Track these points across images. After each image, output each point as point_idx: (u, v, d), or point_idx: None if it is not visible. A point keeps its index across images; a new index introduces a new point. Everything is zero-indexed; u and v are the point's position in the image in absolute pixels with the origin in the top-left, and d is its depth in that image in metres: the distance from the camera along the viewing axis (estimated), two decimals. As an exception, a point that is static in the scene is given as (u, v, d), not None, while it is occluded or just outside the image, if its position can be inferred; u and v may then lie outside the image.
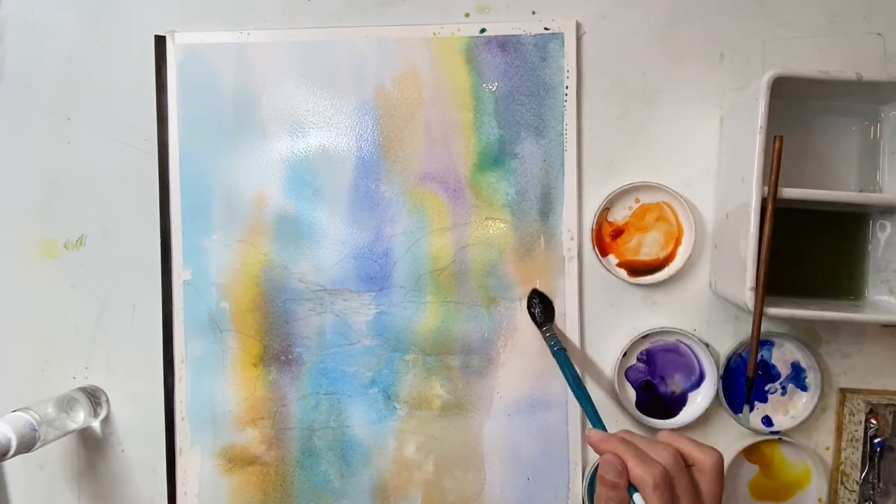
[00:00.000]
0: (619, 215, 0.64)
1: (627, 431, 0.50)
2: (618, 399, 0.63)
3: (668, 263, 0.64)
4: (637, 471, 0.46)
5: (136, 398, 0.67)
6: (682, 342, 0.63)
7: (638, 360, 0.64)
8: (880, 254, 0.60)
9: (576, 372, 0.59)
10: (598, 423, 0.54)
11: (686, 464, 0.47)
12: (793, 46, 0.63)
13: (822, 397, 0.62)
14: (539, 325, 0.63)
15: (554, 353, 0.60)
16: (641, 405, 0.63)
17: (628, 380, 0.64)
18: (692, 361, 0.63)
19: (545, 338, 0.62)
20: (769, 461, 0.63)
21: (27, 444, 0.57)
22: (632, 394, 0.64)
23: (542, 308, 0.63)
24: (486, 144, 0.64)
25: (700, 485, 0.47)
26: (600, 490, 0.47)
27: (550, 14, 0.64)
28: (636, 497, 0.46)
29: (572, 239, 0.64)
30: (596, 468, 0.63)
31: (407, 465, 0.65)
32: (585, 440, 0.50)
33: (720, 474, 0.47)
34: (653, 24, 0.64)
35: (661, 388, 0.64)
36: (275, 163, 0.65)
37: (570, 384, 0.58)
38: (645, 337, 0.63)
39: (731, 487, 0.63)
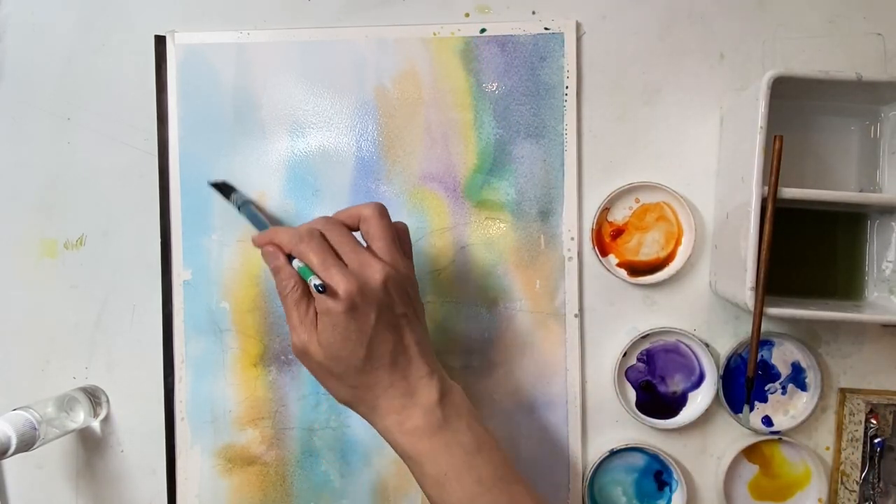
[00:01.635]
0: (619, 215, 0.64)
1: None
2: (618, 399, 0.63)
3: (668, 263, 0.64)
4: (284, 238, 0.50)
5: (136, 398, 0.67)
6: (682, 342, 0.63)
7: (638, 360, 0.64)
8: (880, 253, 0.60)
9: (258, 214, 0.60)
10: (265, 227, 0.56)
11: (354, 226, 0.52)
12: (793, 46, 0.63)
13: (822, 397, 0.62)
14: (226, 195, 0.64)
15: (240, 208, 0.61)
16: (641, 405, 0.63)
17: (628, 380, 0.64)
18: (692, 361, 0.64)
19: (232, 202, 0.63)
20: (769, 461, 0.63)
21: (27, 443, 0.57)
22: (632, 394, 0.64)
23: (221, 187, 0.65)
24: (486, 144, 0.64)
25: (368, 233, 0.51)
26: (277, 285, 0.51)
27: (550, 14, 0.64)
28: (294, 262, 0.50)
29: (572, 239, 0.64)
30: (596, 468, 0.63)
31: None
32: (252, 244, 0.55)
33: (382, 216, 0.52)
34: (653, 24, 0.64)
35: (661, 388, 0.64)
36: (275, 163, 0.65)
37: (256, 224, 0.59)
38: (645, 337, 0.63)
39: (731, 487, 0.63)
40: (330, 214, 0.53)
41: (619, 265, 0.64)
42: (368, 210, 0.52)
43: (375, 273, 0.49)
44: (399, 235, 0.54)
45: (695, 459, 0.64)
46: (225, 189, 0.64)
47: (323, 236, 0.50)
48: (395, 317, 0.50)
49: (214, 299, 0.66)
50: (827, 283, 0.62)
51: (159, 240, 0.66)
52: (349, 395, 0.51)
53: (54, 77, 0.67)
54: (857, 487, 0.61)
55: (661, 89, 0.64)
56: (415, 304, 0.53)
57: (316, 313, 0.49)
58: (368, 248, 0.51)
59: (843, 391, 0.63)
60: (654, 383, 0.64)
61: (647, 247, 0.64)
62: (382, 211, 0.52)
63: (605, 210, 0.64)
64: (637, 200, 0.64)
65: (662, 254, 0.64)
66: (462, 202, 0.65)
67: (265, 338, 0.66)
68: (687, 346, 0.63)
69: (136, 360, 0.67)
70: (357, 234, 0.52)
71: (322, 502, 0.66)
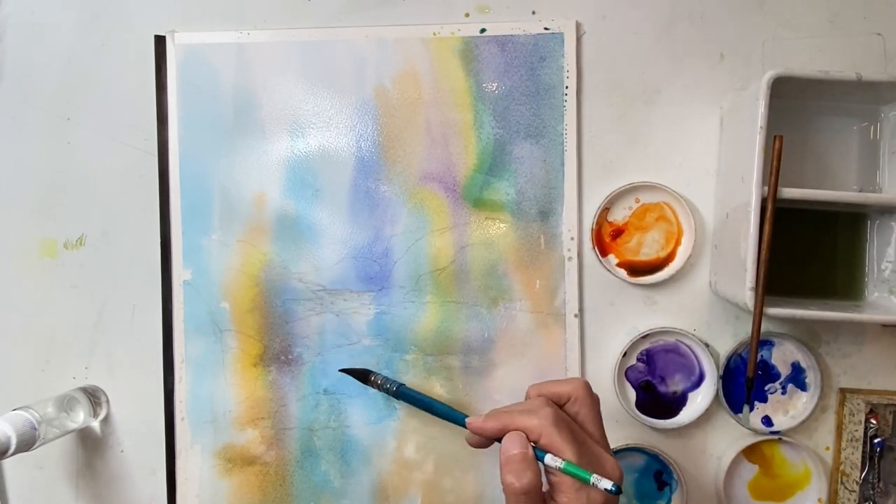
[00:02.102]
0: (619, 215, 0.64)
1: (494, 410, 0.50)
2: (618, 399, 0.63)
3: (668, 263, 0.64)
4: (533, 422, 0.46)
5: (136, 398, 0.67)
6: (682, 342, 0.63)
7: (638, 360, 0.64)
8: (880, 253, 0.60)
9: (424, 395, 0.60)
10: (463, 418, 0.53)
11: (560, 404, 0.49)
12: (793, 46, 0.63)
13: (822, 397, 0.62)
14: (365, 381, 0.63)
15: (398, 392, 0.61)
16: (641, 405, 0.63)
17: (628, 380, 0.64)
18: (692, 361, 0.63)
19: (377, 386, 0.62)
20: (769, 461, 0.63)
21: (27, 443, 0.57)
22: (632, 394, 0.64)
23: (354, 374, 0.64)
24: (486, 144, 0.64)
25: (578, 415, 0.49)
26: (507, 472, 0.45)
27: (550, 14, 0.64)
28: (547, 458, 0.45)
29: (572, 239, 0.64)
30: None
31: (407, 465, 0.65)
32: (467, 439, 0.51)
33: (590, 395, 0.50)
34: (653, 24, 0.64)
35: (661, 388, 0.64)
36: (275, 163, 0.65)
37: (427, 409, 0.59)
38: (645, 337, 0.63)
39: (731, 487, 0.63)
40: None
41: (619, 265, 0.64)
42: (577, 389, 0.49)
43: (614, 471, 0.46)
44: None
45: (695, 459, 0.64)
46: (360, 374, 0.64)
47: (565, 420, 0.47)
48: None
49: (214, 299, 0.66)
50: (827, 283, 0.62)
51: (159, 240, 0.66)
52: None
53: (54, 77, 0.67)
54: (856, 487, 0.61)
55: (661, 89, 0.64)
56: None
57: None
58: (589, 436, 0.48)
59: (843, 391, 0.63)
60: (654, 383, 0.64)
61: (647, 247, 0.64)
62: (589, 390, 0.50)
63: (605, 210, 0.64)
64: (637, 200, 0.64)
65: (662, 254, 0.64)
66: (462, 202, 0.65)
67: (265, 338, 0.66)
68: (687, 346, 0.63)
69: (136, 360, 0.67)
70: None
71: (322, 502, 0.66)
